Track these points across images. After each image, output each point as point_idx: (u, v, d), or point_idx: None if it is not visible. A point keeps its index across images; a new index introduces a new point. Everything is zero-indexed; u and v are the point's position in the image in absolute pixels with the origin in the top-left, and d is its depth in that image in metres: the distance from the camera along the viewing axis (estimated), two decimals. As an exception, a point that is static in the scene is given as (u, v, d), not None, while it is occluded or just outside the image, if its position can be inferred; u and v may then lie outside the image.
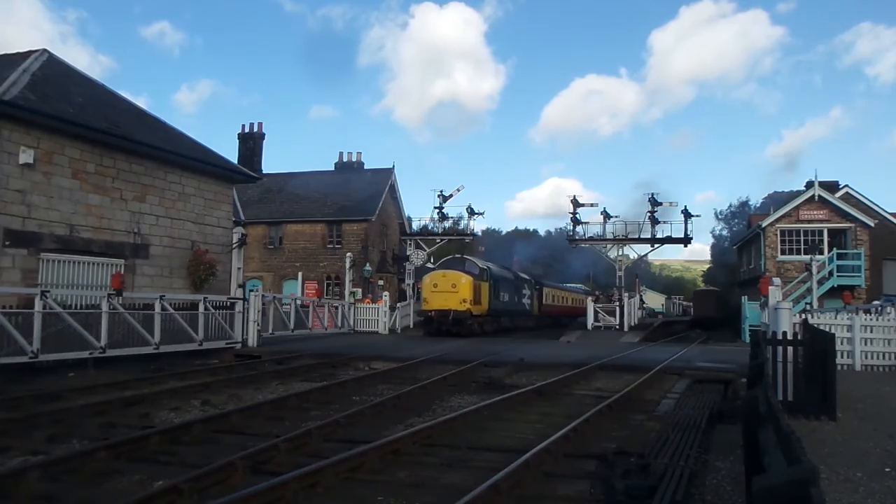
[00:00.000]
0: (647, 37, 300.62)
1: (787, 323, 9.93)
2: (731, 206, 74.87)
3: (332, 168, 42.10)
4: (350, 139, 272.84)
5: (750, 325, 24.71)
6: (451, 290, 25.80)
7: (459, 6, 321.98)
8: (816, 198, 30.20)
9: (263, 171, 36.28)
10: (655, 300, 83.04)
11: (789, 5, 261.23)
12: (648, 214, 35.10)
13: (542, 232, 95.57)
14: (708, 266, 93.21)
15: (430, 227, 38.20)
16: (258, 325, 18.79)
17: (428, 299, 26.56)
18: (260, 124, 38.51)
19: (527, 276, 37.88)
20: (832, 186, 32.74)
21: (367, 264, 34.05)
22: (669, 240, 35.24)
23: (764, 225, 31.25)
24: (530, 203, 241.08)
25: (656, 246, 36.04)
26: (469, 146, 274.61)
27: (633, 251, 37.29)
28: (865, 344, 15.04)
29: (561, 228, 77.55)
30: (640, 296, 43.11)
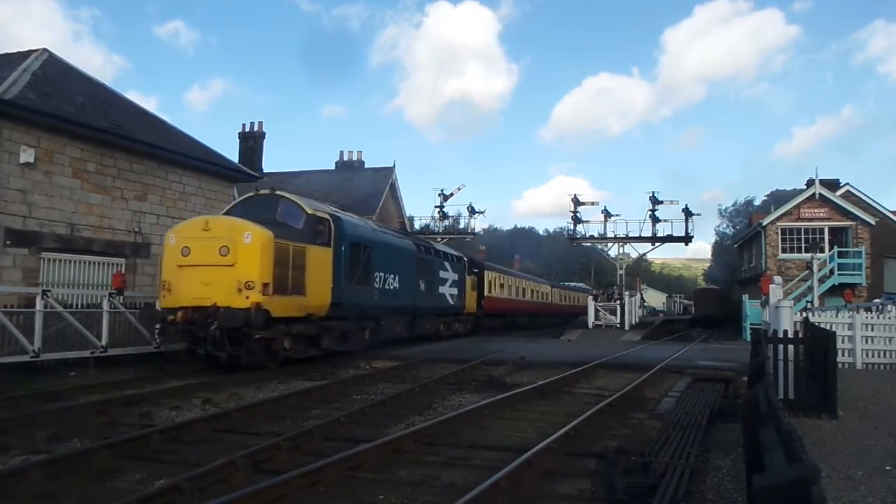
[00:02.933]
0: (661, 35, 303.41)
1: (787, 321, 9.93)
2: (735, 203, 75.23)
3: (333, 167, 42.09)
4: (360, 138, 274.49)
5: (751, 324, 24.71)
6: (221, 262, 12.14)
7: (474, 5, 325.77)
8: (817, 196, 30.19)
9: (266, 170, 36.23)
10: (656, 299, 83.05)
11: (806, 4, 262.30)
12: (649, 213, 35.19)
13: (550, 230, 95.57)
14: (709, 264, 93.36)
15: (430, 227, 38.22)
16: (259, 324, 18.63)
17: (170, 284, 12.53)
18: (261, 123, 38.43)
19: (453, 252, 24.64)
20: (833, 185, 32.75)
21: (368, 263, 33.94)
22: (670, 238, 35.36)
23: (765, 223, 31.25)
24: (537, 201, 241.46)
25: (657, 245, 36.15)
26: (478, 145, 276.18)
27: (634, 250, 37.41)
28: (866, 342, 15.04)
29: (562, 227, 77.69)
30: (641, 294, 43.06)
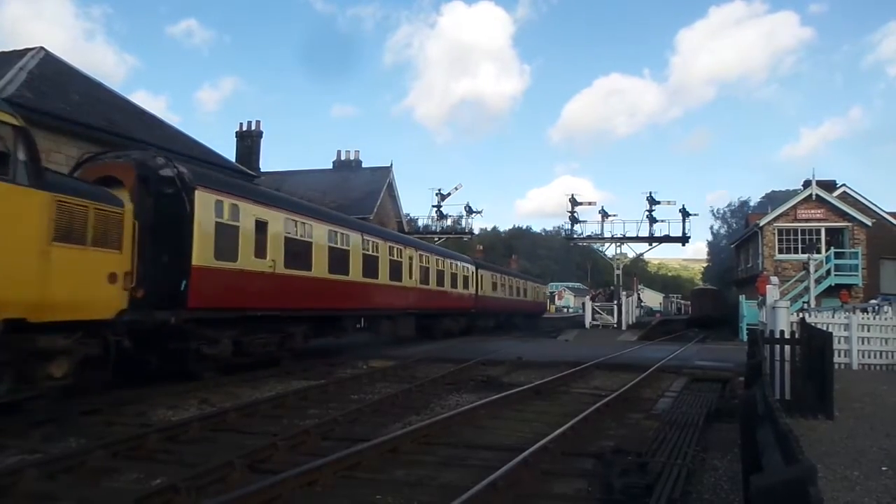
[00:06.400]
0: (675, 36, 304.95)
1: (784, 322, 9.95)
2: (730, 204, 75.13)
3: (331, 167, 42.05)
4: (368, 138, 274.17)
5: (747, 324, 24.74)
6: None
7: (489, 6, 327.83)
8: (814, 197, 30.24)
9: (266, 169, 36.10)
10: (653, 299, 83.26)
11: (821, 6, 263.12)
12: (646, 213, 35.24)
13: (552, 230, 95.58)
14: (706, 265, 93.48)
15: (429, 226, 38.23)
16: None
17: None
18: (258, 122, 38.23)
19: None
20: (830, 186, 32.80)
21: (365, 263, 33.76)
22: (667, 238, 35.40)
23: (762, 224, 31.29)
24: (540, 201, 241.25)
25: (654, 245, 36.19)
26: (486, 145, 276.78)
27: (631, 250, 37.46)
28: (862, 343, 15.06)
29: (559, 227, 77.72)
30: (638, 294, 43.12)
